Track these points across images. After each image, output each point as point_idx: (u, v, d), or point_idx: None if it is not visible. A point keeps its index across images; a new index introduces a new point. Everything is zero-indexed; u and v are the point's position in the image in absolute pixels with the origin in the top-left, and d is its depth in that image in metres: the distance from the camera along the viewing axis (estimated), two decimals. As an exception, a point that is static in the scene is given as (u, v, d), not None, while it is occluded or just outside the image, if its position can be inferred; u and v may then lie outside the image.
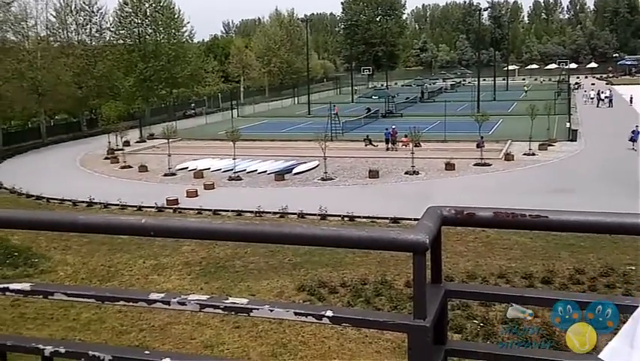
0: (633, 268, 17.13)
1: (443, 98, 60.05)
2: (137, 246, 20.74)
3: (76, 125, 58.06)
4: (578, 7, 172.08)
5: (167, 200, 27.49)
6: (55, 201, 29.29)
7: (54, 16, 58.00)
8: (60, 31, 58.76)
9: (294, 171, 33.21)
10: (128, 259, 20.15)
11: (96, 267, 19.74)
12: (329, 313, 1.56)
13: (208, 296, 1.69)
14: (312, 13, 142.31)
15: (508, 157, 34.93)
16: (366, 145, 40.01)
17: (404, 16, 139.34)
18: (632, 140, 35.75)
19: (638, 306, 1.29)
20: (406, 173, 32.13)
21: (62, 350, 1.74)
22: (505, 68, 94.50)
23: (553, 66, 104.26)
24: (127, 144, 44.95)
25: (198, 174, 33.71)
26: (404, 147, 36.68)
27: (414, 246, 1.48)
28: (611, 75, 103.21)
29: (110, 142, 43.70)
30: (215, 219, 19.30)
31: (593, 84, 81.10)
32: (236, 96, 73.69)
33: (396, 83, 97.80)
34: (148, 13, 60.73)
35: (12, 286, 1.83)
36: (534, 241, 19.76)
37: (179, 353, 12.46)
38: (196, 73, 65.25)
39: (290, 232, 1.65)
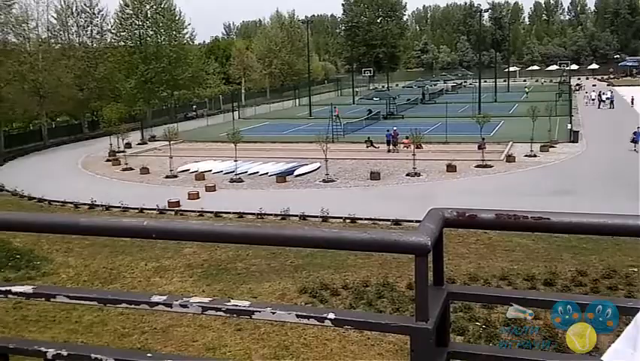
0: (635, 269, 17.10)
1: (444, 100, 60.03)
2: (139, 248, 20.75)
3: (78, 128, 58.08)
4: (578, 9, 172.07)
5: (168, 202, 27.49)
6: (57, 203, 29.32)
7: (55, 18, 58.07)
8: (61, 33, 58.80)
9: (296, 173, 33.22)
10: (129, 262, 20.16)
11: (98, 269, 19.75)
12: (331, 315, 1.56)
13: (210, 299, 1.69)
14: (313, 15, 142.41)
15: (510, 159, 34.92)
16: (367, 147, 40.00)
17: (405, 18, 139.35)
18: (634, 141, 35.72)
19: (640, 308, 1.29)
20: (408, 175, 32.11)
21: (64, 353, 1.74)
22: (506, 70, 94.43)
23: (554, 67, 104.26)
24: (128, 146, 44.96)
25: (200, 176, 33.72)
26: (405, 148, 36.67)
27: (416, 248, 1.48)
28: (612, 76, 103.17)
29: (111, 144, 43.73)
30: (217, 222, 19.26)
31: (594, 85, 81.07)
32: (238, 98, 73.70)
33: (397, 85, 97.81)
34: (149, 15, 60.77)
35: (14, 288, 1.84)
36: (536, 243, 19.74)
37: (181, 355, 12.45)
38: (197, 75, 65.25)
39: (292, 235, 1.65)
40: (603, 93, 63.51)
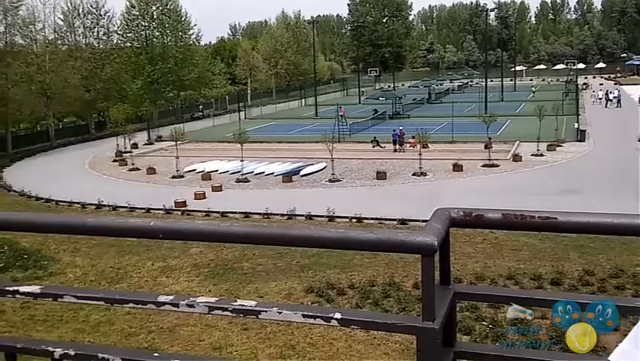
0: (643, 269, 17.03)
1: (450, 99, 59.93)
2: (146, 248, 20.81)
3: (85, 128, 58.33)
4: (585, 7, 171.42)
5: (175, 202, 27.55)
6: (65, 203, 29.43)
7: (62, 20, 58.34)
8: (68, 34, 59.06)
9: (302, 172, 33.23)
10: (136, 261, 20.21)
11: (105, 269, 19.82)
12: (337, 315, 1.56)
13: (217, 299, 1.69)
14: (319, 15, 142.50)
15: (516, 158, 34.82)
16: (373, 146, 39.98)
17: (411, 18, 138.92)
18: (641, 140, 35.61)
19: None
20: (414, 174, 32.07)
21: (72, 353, 1.75)
22: (513, 69, 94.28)
23: (561, 66, 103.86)
24: (135, 146, 45.10)
25: (206, 176, 33.78)
26: (412, 148, 36.63)
27: (422, 248, 1.48)
28: (619, 75, 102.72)
29: (118, 145, 43.88)
30: (223, 221, 19.26)
31: (601, 84, 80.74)
32: (244, 98, 73.81)
33: (403, 85, 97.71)
34: (155, 16, 60.91)
35: (22, 288, 1.84)
36: (543, 243, 19.68)
37: (187, 355, 12.48)
38: (203, 75, 65.39)
39: (298, 235, 1.65)
40: (610, 92, 63.24)
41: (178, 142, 37.85)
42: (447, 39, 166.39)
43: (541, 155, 35.58)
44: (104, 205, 28.09)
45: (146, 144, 47.83)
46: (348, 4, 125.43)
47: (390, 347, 13.27)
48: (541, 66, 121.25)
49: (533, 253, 19.09)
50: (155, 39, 61.00)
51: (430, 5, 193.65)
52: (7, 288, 1.89)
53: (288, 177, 32.27)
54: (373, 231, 1.56)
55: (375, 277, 17.42)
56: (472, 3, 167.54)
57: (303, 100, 76.83)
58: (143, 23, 60.69)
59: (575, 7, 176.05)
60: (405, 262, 17.44)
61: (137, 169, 37.48)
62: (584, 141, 39.57)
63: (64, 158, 45.10)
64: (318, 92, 70.05)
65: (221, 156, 38.24)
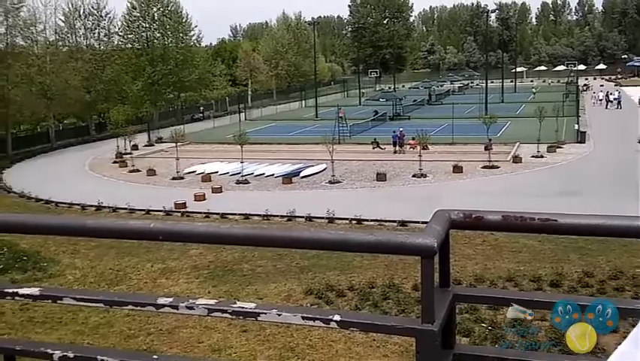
0: (643, 270, 17.02)
1: (451, 101, 59.89)
2: (146, 250, 20.80)
3: (85, 130, 58.34)
4: (586, 9, 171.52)
5: (175, 204, 27.54)
6: (64, 205, 29.42)
7: (63, 21, 58.34)
8: (69, 35, 59.07)
9: (302, 174, 33.22)
10: (136, 263, 20.21)
11: (104, 270, 19.81)
12: (337, 317, 1.56)
13: (216, 301, 1.69)
14: (320, 16, 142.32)
15: (517, 159, 34.82)
16: (373, 148, 39.97)
17: (411, 19, 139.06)
18: (641, 142, 35.61)
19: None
20: (414, 176, 32.06)
21: (71, 355, 1.75)
22: (513, 70, 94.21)
23: (561, 68, 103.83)
24: (135, 147, 45.11)
25: (206, 177, 33.78)
26: (412, 149, 36.62)
27: (422, 250, 1.48)
28: (619, 76, 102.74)
29: (118, 146, 43.87)
30: (223, 223, 19.26)
31: (601, 86, 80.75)
32: (244, 99, 73.83)
33: (403, 86, 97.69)
34: (156, 18, 60.93)
35: (21, 291, 1.84)
36: (543, 244, 19.67)
37: (186, 357, 12.50)
38: (204, 77, 65.39)
39: (298, 236, 1.65)
40: (611, 93, 63.26)
41: (178, 143, 37.84)
42: (447, 40, 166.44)
43: (542, 156, 35.59)
44: (104, 207, 28.10)
45: (146, 146, 47.82)
46: (349, 6, 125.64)
47: (389, 349, 13.26)
48: (542, 67, 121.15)
49: (533, 255, 19.09)
50: (155, 40, 61.03)
51: (430, 6, 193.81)
52: (6, 290, 1.89)
53: (288, 178, 32.28)
54: (373, 233, 1.56)
55: (375, 278, 17.41)
56: (472, 4, 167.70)
57: (304, 101, 76.82)
58: (144, 24, 60.70)
59: (575, 8, 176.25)
60: (404, 264, 17.44)
61: (137, 171, 37.48)
62: (584, 143, 39.56)
63: (65, 159, 45.11)
64: (318, 93, 70.04)
65: (221, 158, 38.24)
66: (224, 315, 1.67)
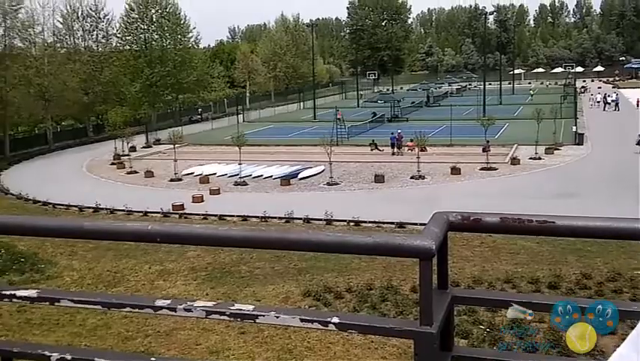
0: (641, 272, 17.04)
1: (449, 103, 59.98)
2: (143, 251, 20.77)
3: (83, 131, 58.32)
4: (584, 11, 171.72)
5: (172, 205, 27.53)
6: (62, 206, 29.39)
7: (61, 23, 58.33)
8: (67, 37, 59.06)
9: (300, 176, 33.23)
10: (133, 265, 20.18)
11: (102, 272, 19.78)
12: (335, 319, 1.56)
13: (214, 303, 1.69)
14: (318, 18, 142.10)
15: (515, 161, 34.86)
16: (371, 150, 39.99)
17: (410, 21, 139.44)
18: (639, 144, 35.64)
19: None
20: (412, 177, 32.08)
21: (68, 357, 1.74)
22: (511, 72, 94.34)
23: (559, 70, 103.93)
24: (133, 149, 45.08)
25: (204, 179, 33.76)
26: (410, 151, 36.62)
27: (420, 252, 1.48)
28: (617, 79, 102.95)
29: (116, 148, 43.83)
30: (221, 225, 19.31)
31: (599, 88, 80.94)
32: (242, 101, 73.78)
33: (401, 88, 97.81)
34: (154, 19, 60.85)
35: (19, 293, 1.84)
36: (541, 246, 19.69)
37: (184, 359, 12.48)
38: (202, 78, 65.32)
39: (296, 238, 1.65)
40: (608, 95, 63.41)
41: (176, 145, 37.82)
42: (446, 42, 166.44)
43: (540, 158, 35.64)
44: (102, 208, 28.07)
45: (144, 147, 47.81)
46: (348, 8, 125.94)
47: (387, 351, 13.26)
48: (540, 69, 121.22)
49: (531, 257, 19.11)
50: (154, 42, 60.94)
51: (428, 8, 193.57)
52: (3, 292, 1.88)
53: (286, 180, 32.28)
54: (371, 235, 1.55)
55: (373, 280, 17.41)
56: (470, 6, 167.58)
57: (302, 103, 76.86)
58: (142, 26, 60.61)
59: (573, 10, 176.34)
60: (402, 266, 17.44)
61: (135, 172, 37.45)
62: (582, 145, 39.64)
63: (62, 161, 45.06)
64: (316, 95, 70.12)
65: (219, 159, 38.24)
66: (223, 317, 1.66)
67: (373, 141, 40.81)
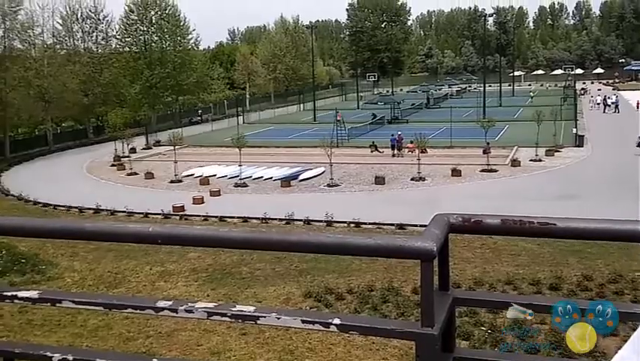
0: (641, 274, 17.03)
1: (449, 104, 59.96)
2: (144, 252, 20.77)
3: (83, 133, 58.36)
4: (583, 13, 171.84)
5: (173, 207, 27.53)
6: (62, 208, 29.39)
7: (60, 24, 58.38)
8: (66, 38, 59.12)
9: (300, 177, 33.22)
10: (134, 266, 20.18)
11: (103, 273, 19.78)
12: (336, 320, 1.56)
13: (215, 304, 1.69)
14: (317, 20, 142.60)
15: (515, 163, 34.85)
16: (372, 151, 39.99)
17: (409, 23, 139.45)
18: (639, 145, 35.65)
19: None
20: (412, 179, 32.08)
21: (70, 358, 1.75)
22: (511, 74, 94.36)
23: (559, 72, 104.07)
24: (133, 151, 45.08)
25: (204, 180, 33.76)
26: (410, 153, 36.62)
27: (421, 253, 1.48)
28: (617, 81, 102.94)
29: (116, 149, 43.84)
30: (222, 227, 19.30)
31: (599, 90, 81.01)
32: (242, 103, 73.83)
33: (401, 90, 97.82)
34: (154, 21, 60.91)
35: (20, 294, 1.84)
36: (542, 248, 19.68)
37: (185, 360, 12.47)
38: (202, 80, 65.36)
39: (296, 240, 1.65)
40: (608, 97, 63.40)
41: (176, 147, 37.82)
42: (445, 44, 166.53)
43: (540, 160, 35.64)
44: (102, 210, 28.07)
45: (144, 149, 47.82)
46: (347, 10, 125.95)
47: (389, 352, 13.25)
48: (540, 71, 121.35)
49: (532, 258, 19.10)
50: (153, 44, 61.00)
51: (428, 10, 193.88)
52: (5, 293, 1.89)
53: (286, 181, 32.27)
54: (372, 236, 1.56)
55: (374, 282, 17.40)
56: (470, 8, 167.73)
57: (302, 105, 76.85)
58: (142, 28, 60.68)
59: (573, 12, 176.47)
60: (404, 267, 17.43)
61: (135, 174, 37.45)
62: (582, 146, 39.64)
63: (63, 162, 45.07)
64: (316, 96, 70.11)
65: (219, 161, 38.23)
66: (224, 318, 1.66)
67: (373, 142, 40.81)
